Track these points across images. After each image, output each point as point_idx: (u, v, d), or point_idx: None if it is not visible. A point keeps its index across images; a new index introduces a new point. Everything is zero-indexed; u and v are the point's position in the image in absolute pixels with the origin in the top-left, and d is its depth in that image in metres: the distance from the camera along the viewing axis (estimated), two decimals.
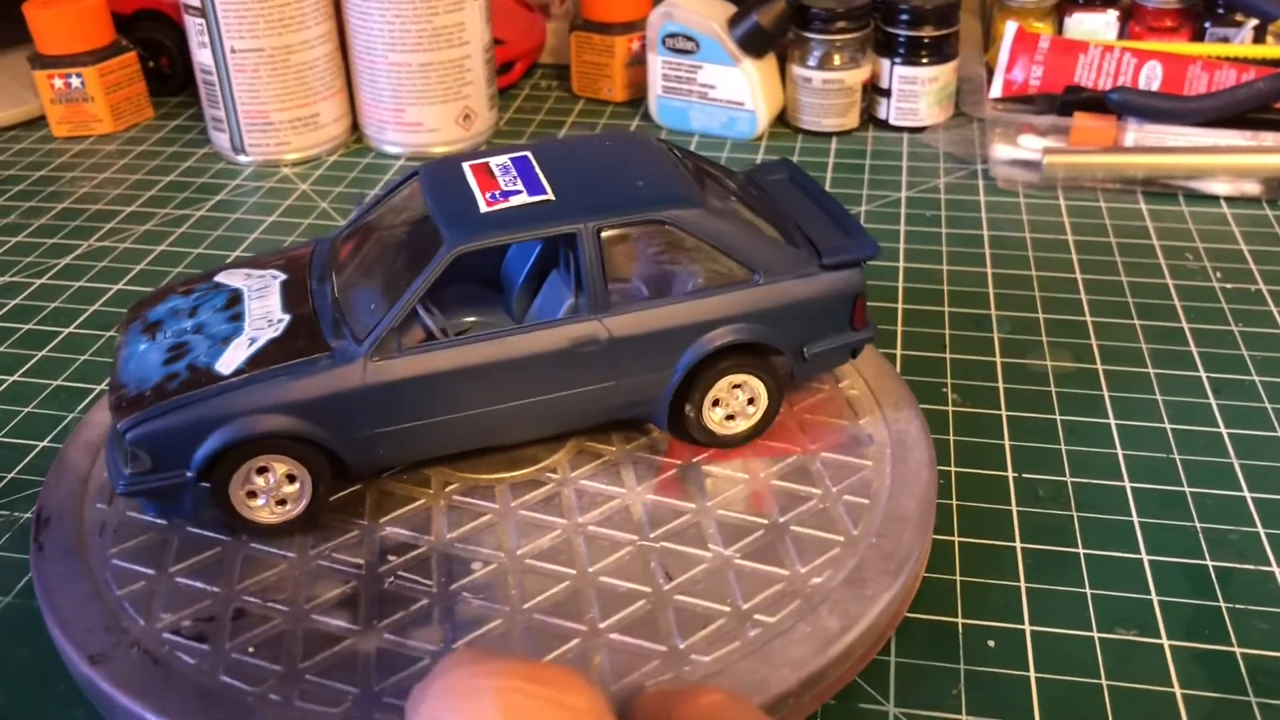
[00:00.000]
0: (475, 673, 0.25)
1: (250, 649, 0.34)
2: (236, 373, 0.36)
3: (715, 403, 0.41)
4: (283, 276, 0.41)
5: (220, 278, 0.42)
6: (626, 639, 0.34)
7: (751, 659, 0.33)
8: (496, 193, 0.38)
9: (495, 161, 0.40)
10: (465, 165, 0.40)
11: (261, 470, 0.37)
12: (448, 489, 0.40)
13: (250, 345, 0.37)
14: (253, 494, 0.37)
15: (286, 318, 0.38)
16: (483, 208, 0.38)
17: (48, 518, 0.39)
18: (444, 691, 0.25)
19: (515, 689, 0.25)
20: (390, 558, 0.37)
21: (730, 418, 0.41)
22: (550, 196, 0.38)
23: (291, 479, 0.37)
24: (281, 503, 0.38)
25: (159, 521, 0.39)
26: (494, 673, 0.25)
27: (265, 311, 0.39)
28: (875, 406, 0.43)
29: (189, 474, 0.36)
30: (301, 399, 0.36)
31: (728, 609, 0.35)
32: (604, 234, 0.38)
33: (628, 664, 0.33)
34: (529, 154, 0.41)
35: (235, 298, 0.40)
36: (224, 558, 0.37)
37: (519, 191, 0.38)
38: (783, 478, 0.40)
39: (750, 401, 0.41)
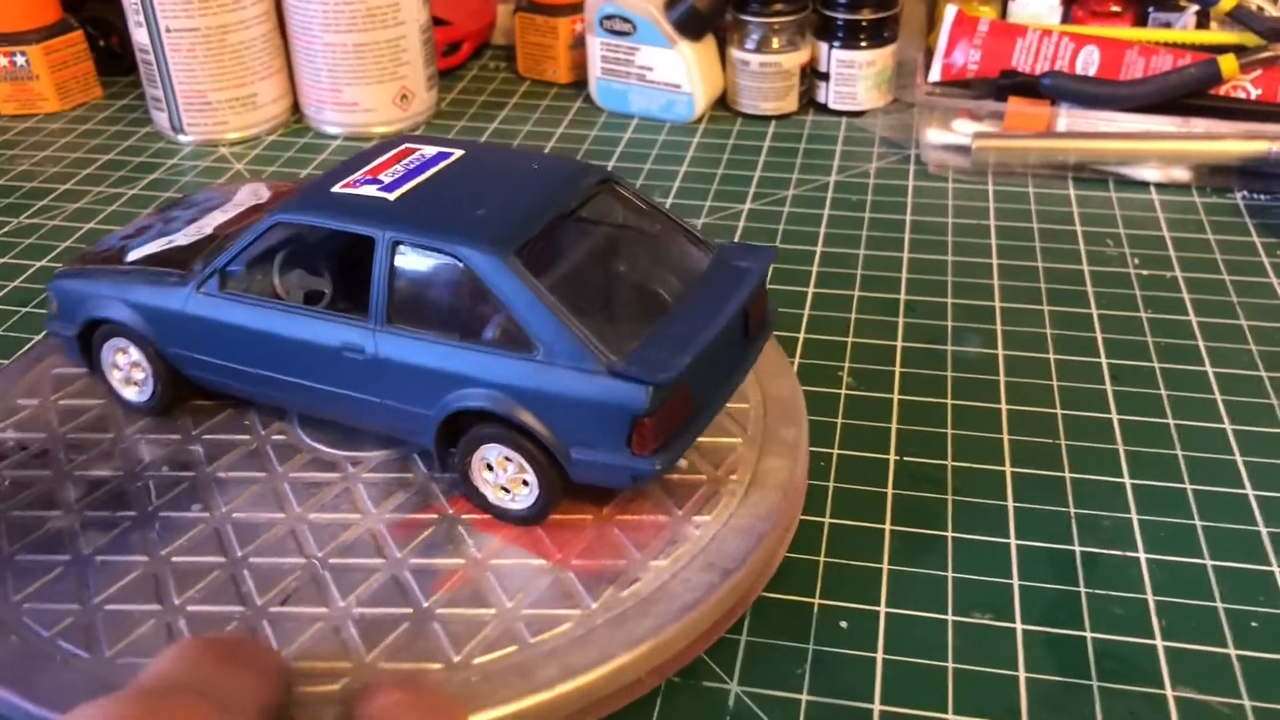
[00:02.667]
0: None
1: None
2: (130, 263, 0.42)
3: (490, 466, 0.37)
4: (250, 204, 0.45)
5: (240, 192, 0.47)
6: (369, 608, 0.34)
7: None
8: (362, 178, 0.38)
9: (421, 151, 0.40)
10: (403, 145, 0.41)
11: (124, 350, 0.42)
12: (266, 434, 0.42)
13: (161, 246, 0.43)
14: (116, 367, 0.43)
15: (203, 237, 0.43)
16: (336, 188, 0.38)
17: None
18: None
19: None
20: (148, 473, 0.40)
21: (506, 490, 0.37)
22: (390, 198, 0.37)
23: (139, 367, 0.42)
24: (132, 384, 0.42)
25: None
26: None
27: (202, 226, 0.44)
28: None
29: (70, 332, 0.43)
30: (142, 302, 0.41)
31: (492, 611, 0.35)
32: (400, 248, 0.36)
33: (464, 632, 0.33)
34: (457, 154, 0.40)
35: (210, 208, 0.46)
36: None
37: (378, 183, 0.38)
38: None
39: (525, 481, 0.37)
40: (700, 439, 0.40)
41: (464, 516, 0.38)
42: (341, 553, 0.37)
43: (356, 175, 0.39)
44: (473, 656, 0.33)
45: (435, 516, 0.38)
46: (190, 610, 0.35)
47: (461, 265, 0.35)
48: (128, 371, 0.42)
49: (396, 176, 0.38)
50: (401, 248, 0.36)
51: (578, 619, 0.34)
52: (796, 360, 0.49)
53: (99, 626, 0.34)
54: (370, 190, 0.38)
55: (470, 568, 0.36)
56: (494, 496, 0.37)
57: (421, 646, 0.33)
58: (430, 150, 0.40)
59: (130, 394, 0.43)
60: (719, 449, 0.40)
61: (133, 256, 0.43)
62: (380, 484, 0.39)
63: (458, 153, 0.40)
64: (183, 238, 0.43)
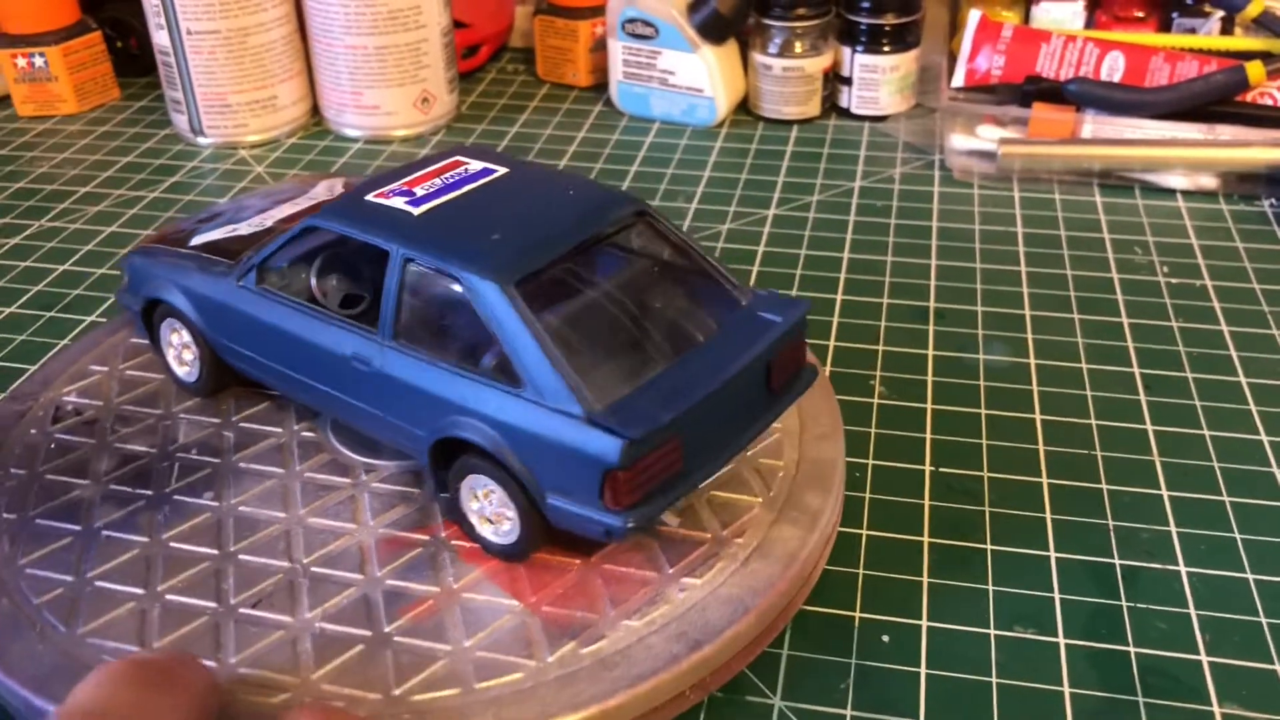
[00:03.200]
0: None
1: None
2: (192, 247, 0.43)
3: (477, 496, 0.36)
4: (321, 199, 0.46)
5: (317, 186, 0.48)
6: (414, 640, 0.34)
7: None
8: (397, 189, 0.38)
9: (467, 166, 0.39)
10: (453, 158, 0.40)
11: (177, 330, 0.43)
12: (298, 430, 0.42)
13: (223, 234, 0.44)
14: (170, 345, 0.44)
15: (263, 229, 0.44)
16: (369, 196, 0.38)
17: None
18: None
19: None
20: (179, 454, 0.41)
21: (491, 521, 0.36)
22: (415, 212, 0.37)
23: (189, 348, 0.43)
24: (183, 363, 0.44)
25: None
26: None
27: (265, 219, 0.45)
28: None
29: (135, 307, 0.44)
30: (192, 287, 0.42)
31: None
32: (410, 265, 0.36)
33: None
34: (500, 172, 0.39)
35: (281, 200, 0.47)
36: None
37: (409, 196, 0.38)
38: None
39: (508, 516, 0.36)
40: (719, 493, 0.38)
41: (453, 543, 0.37)
42: (326, 562, 0.36)
43: (394, 185, 0.38)
44: (412, 693, 0.32)
45: (426, 538, 0.37)
46: (168, 599, 0.35)
47: (463, 290, 0.34)
48: (179, 351, 0.44)
49: (430, 191, 0.38)
50: (412, 265, 0.36)
51: (529, 671, 0.32)
52: (828, 368, 0.49)
53: (82, 602, 0.35)
54: (399, 202, 0.37)
55: (442, 597, 0.35)
56: (479, 526, 0.36)
57: (368, 673, 0.32)
58: (476, 166, 0.40)
59: (181, 373, 0.44)
60: (734, 507, 0.38)
61: (195, 241, 0.44)
62: (386, 496, 0.39)
63: (501, 171, 0.39)
64: (246, 228, 0.44)
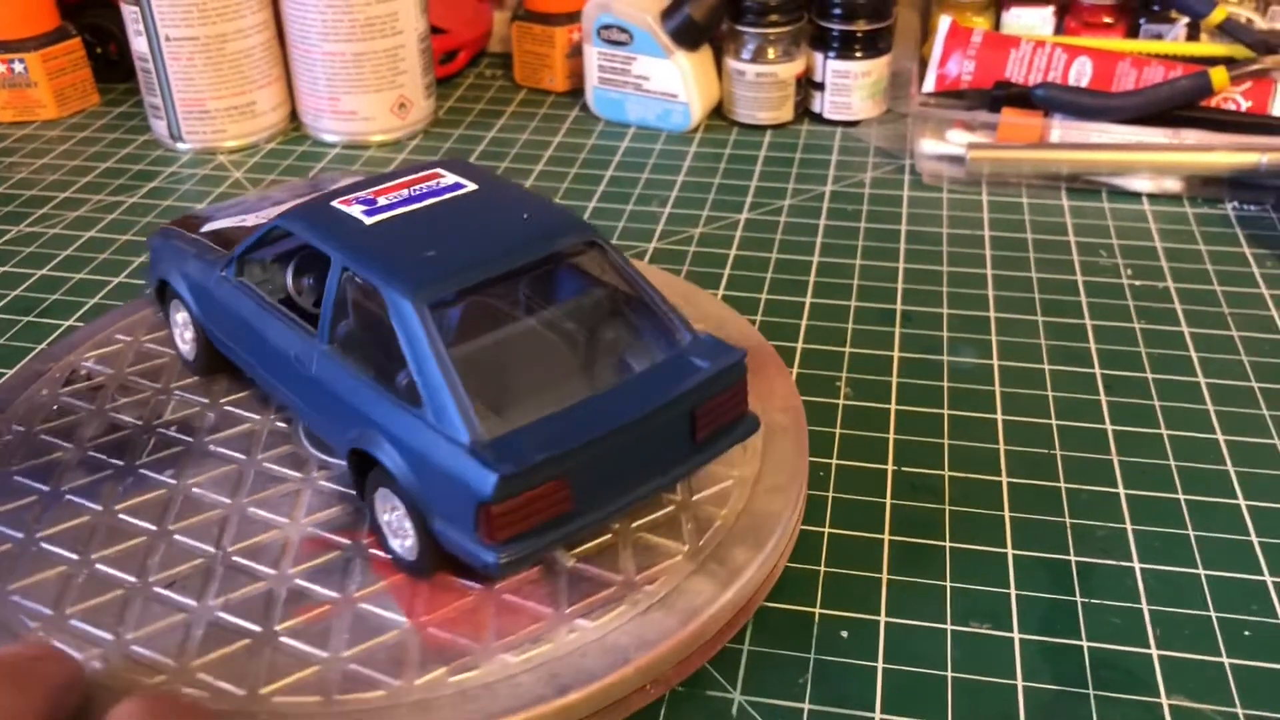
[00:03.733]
0: None
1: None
2: (201, 234, 0.45)
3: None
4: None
5: (342, 180, 0.51)
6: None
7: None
8: (362, 197, 0.39)
9: (441, 179, 0.40)
10: (432, 170, 0.41)
11: (180, 310, 0.45)
12: (274, 418, 0.44)
13: (230, 224, 0.46)
14: (175, 324, 0.46)
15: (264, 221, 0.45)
16: (335, 202, 0.38)
17: None
18: None
19: None
20: (159, 428, 0.43)
21: (397, 535, 0.36)
22: (367, 222, 0.37)
23: (189, 329, 0.45)
24: (184, 342, 0.46)
25: None
26: None
27: (275, 211, 0.47)
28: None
29: (150, 287, 0.47)
30: (189, 273, 0.44)
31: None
32: (346, 272, 0.36)
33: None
34: (470, 188, 0.39)
35: (300, 194, 0.49)
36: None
37: (370, 204, 0.38)
38: None
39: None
40: (647, 535, 0.37)
41: (371, 551, 0.37)
42: (248, 553, 0.37)
43: (362, 193, 0.39)
44: (275, 694, 0.32)
45: (347, 543, 0.38)
46: (96, 568, 0.36)
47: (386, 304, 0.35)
48: (182, 330, 0.46)
49: (392, 201, 0.38)
50: (347, 274, 0.36)
51: (391, 691, 0.32)
52: (795, 370, 0.50)
53: (22, 561, 0.37)
54: (357, 210, 0.38)
55: (340, 604, 0.35)
56: (390, 539, 0.36)
57: (242, 669, 0.33)
58: (450, 179, 0.40)
59: (184, 350, 0.46)
60: (657, 552, 0.37)
61: (205, 229, 0.46)
62: (328, 495, 0.40)
63: (471, 187, 0.39)
64: (253, 218, 0.47)
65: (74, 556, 0.37)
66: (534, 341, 0.36)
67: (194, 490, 0.40)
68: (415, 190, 0.39)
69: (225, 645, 0.34)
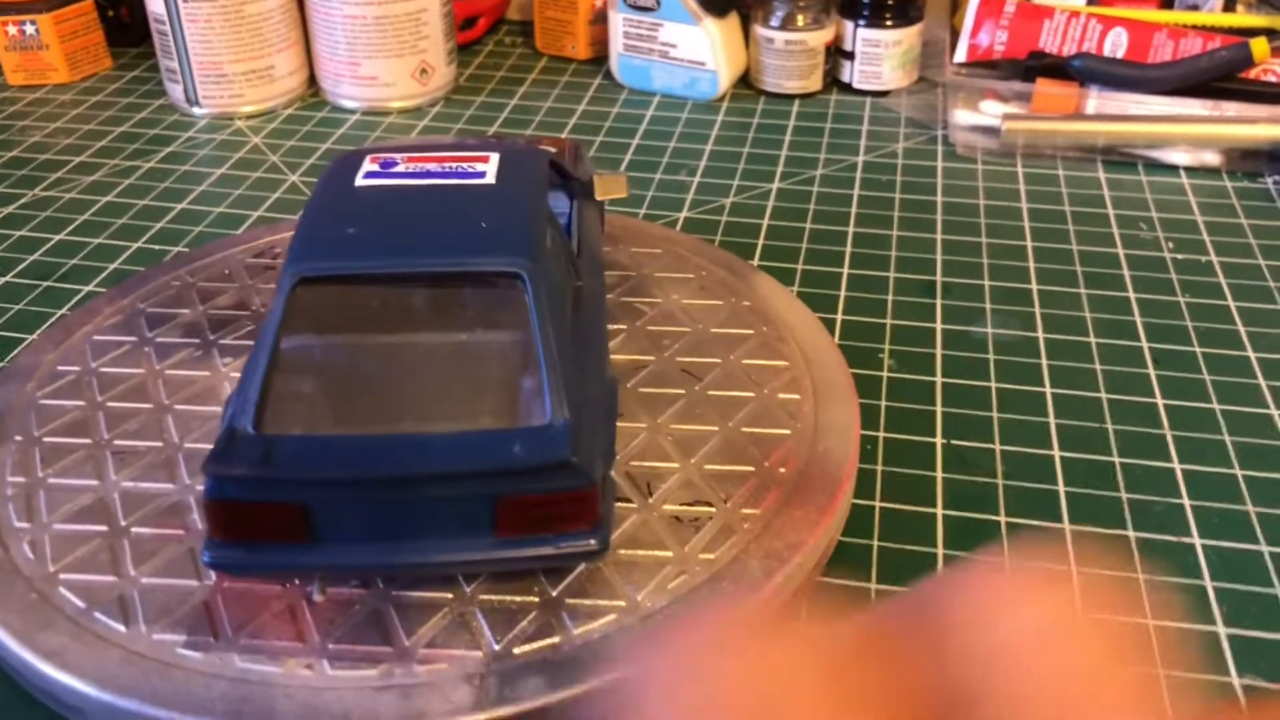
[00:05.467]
0: None
1: None
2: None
3: None
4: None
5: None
6: None
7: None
8: (389, 159, 0.38)
9: (476, 164, 0.38)
10: (489, 151, 0.38)
11: None
12: None
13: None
14: None
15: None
16: (369, 157, 0.38)
17: None
18: None
19: None
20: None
21: None
22: (355, 185, 0.37)
23: None
24: None
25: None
26: None
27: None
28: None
29: None
30: None
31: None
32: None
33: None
34: (485, 179, 0.37)
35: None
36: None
37: (388, 168, 0.37)
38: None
39: None
40: (578, 600, 0.33)
41: None
42: (146, 520, 0.37)
43: (402, 154, 0.38)
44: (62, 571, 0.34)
45: None
46: (51, 483, 0.38)
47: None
48: None
49: (407, 171, 0.37)
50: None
51: (124, 636, 0.32)
52: (836, 339, 0.49)
53: None
54: (368, 168, 0.37)
55: (186, 537, 0.36)
56: None
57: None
58: (484, 166, 0.37)
59: None
60: (589, 613, 0.33)
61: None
62: None
63: (487, 180, 0.37)
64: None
65: (21, 478, 0.39)
66: (396, 355, 0.33)
67: (125, 485, 0.39)
68: (444, 168, 0.37)
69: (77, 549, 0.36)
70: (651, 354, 0.44)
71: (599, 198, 0.46)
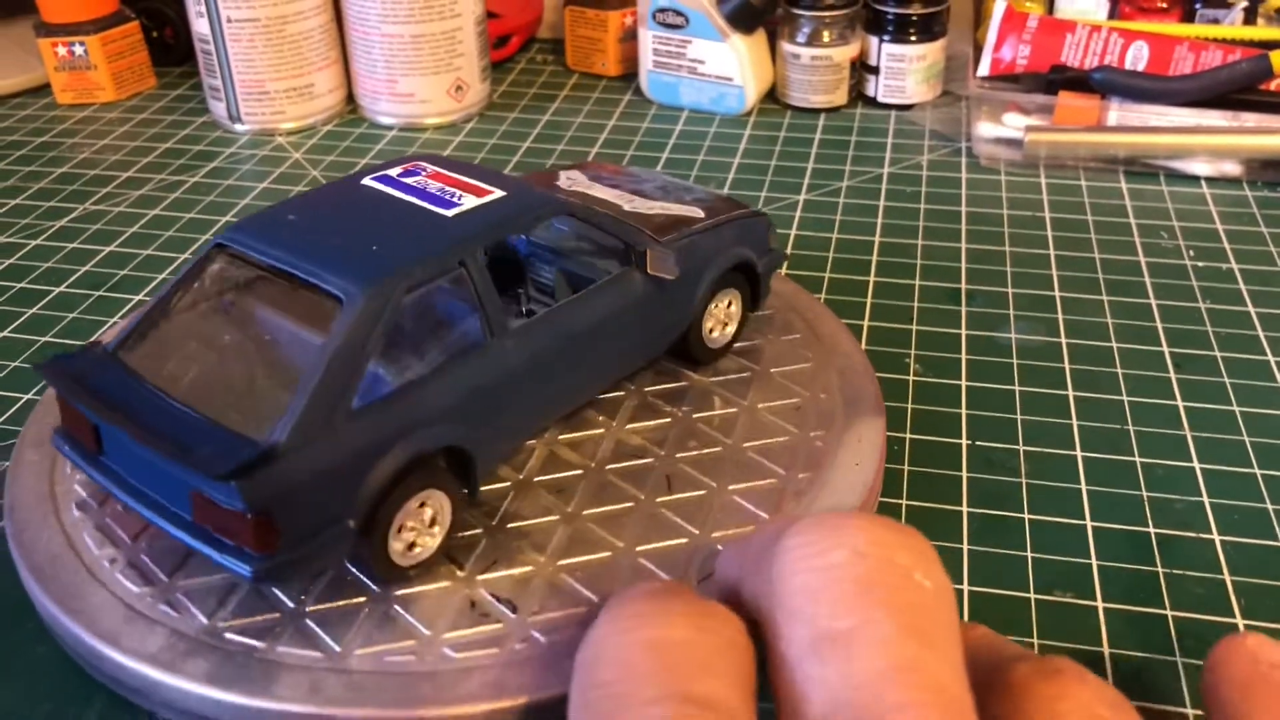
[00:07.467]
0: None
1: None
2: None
3: None
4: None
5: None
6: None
7: None
8: (407, 170, 0.39)
9: (505, 196, 0.38)
10: (493, 188, 0.38)
11: None
12: None
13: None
14: None
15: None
16: (402, 164, 0.40)
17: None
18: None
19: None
20: None
21: None
22: (360, 182, 0.39)
23: None
24: None
25: None
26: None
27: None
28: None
29: None
30: None
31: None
32: None
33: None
34: (467, 204, 0.37)
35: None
36: None
37: (411, 178, 0.39)
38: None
39: None
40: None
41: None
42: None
43: (424, 166, 0.39)
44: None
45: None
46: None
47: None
48: None
49: (412, 183, 0.38)
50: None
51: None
52: (863, 344, 0.50)
53: None
54: (392, 173, 0.39)
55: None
56: None
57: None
58: (505, 194, 0.38)
59: None
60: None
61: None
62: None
63: (448, 213, 0.36)
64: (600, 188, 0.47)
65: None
66: (243, 335, 0.35)
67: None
68: (440, 188, 0.38)
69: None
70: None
71: (650, 272, 0.41)
